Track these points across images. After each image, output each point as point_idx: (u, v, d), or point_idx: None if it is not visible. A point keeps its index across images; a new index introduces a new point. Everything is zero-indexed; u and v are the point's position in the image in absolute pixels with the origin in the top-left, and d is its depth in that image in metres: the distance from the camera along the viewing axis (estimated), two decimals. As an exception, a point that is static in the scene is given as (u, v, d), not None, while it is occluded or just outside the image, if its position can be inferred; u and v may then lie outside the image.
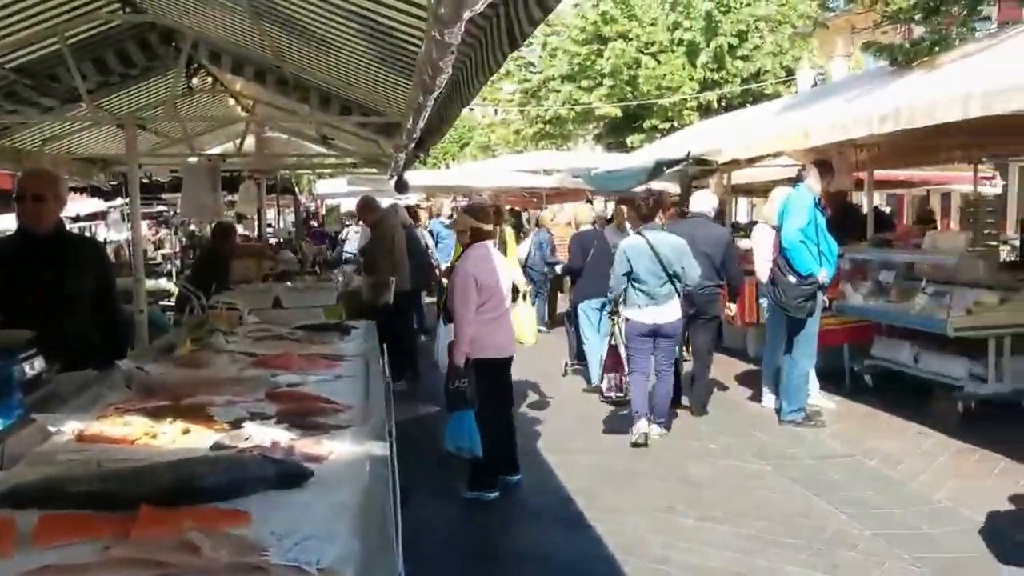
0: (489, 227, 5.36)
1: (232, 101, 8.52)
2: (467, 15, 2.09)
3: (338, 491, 1.96)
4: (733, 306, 8.01)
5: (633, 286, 6.45)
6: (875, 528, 4.76)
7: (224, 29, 5.70)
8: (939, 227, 21.27)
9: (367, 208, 8.88)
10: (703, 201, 7.68)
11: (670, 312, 6.45)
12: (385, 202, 14.76)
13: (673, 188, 13.52)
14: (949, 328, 6.68)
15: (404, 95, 4.98)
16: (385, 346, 4.52)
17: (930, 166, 13.79)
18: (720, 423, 7.10)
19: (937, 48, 7.76)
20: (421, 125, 4.69)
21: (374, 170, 11.20)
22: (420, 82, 3.23)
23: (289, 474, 1.96)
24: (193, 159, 8.76)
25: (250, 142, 9.58)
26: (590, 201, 18.88)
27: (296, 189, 16.56)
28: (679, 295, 6.48)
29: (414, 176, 17.11)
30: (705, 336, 7.42)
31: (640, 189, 12.92)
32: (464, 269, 5.21)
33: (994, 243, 12.31)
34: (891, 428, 6.78)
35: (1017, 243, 11.62)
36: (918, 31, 9.45)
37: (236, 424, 2.40)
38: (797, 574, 4.21)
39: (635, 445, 6.40)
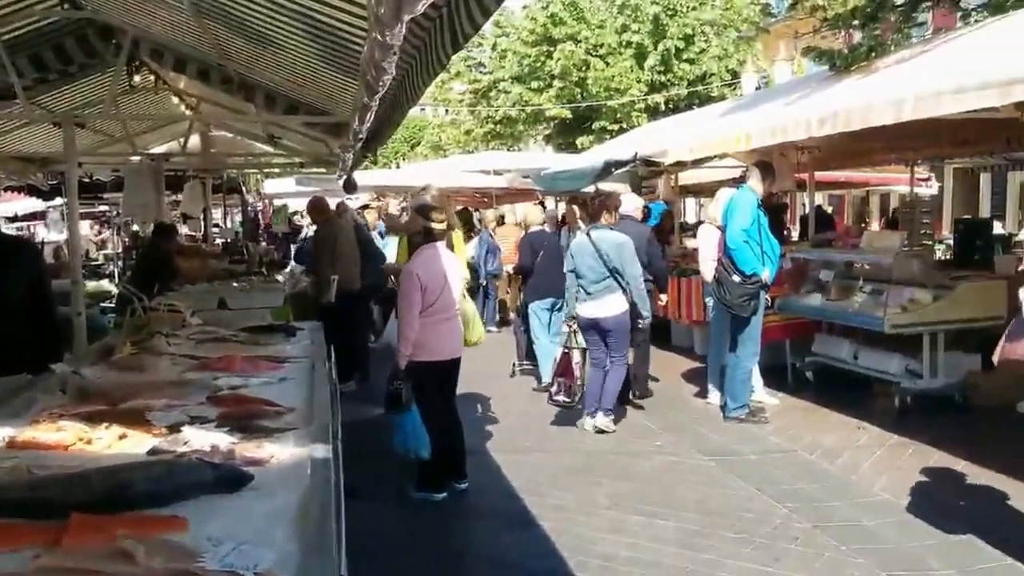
0: (441, 227, 5.34)
1: (176, 99, 8.39)
2: (407, 17, 2.10)
3: (278, 495, 1.95)
4: (664, 296, 8.39)
5: (577, 282, 6.76)
6: (816, 521, 4.87)
7: (166, 26, 5.62)
8: (878, 227, 21.84)
9: (316, 209, 8.84)
10: (628, 203, 8.01)
11: (609, 307, 6.69)
12: (333, 203, 14.72)
13: (623, 188, 13.67)
14: (885, 325, 6.87)
15: (350, 95, 4.96)
16: (333, 347, 4.51)
17: (869, 168, 14.17)
18: (666, 420, 7.20)
19: (874, 54, 7.97)
20: (368, 125, 4.68)
21: (323, 170, 11.12)
22: (364, 83, 3.23)
23: (228, 478, 1.95)
24: (135, 158, 8.62)
25: (195, 141, 9.44)
26: (542, 203, 18.99)
27: (243, 189, 16.35)
28: (623, 290, 6.64)
29: (364, 176, 17.01)
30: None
31: (590, 189, 13.09)
32: (410, 270, 5.18)
33: (930, 243, 12.64)
34: (831, 423, 6.93)
35: (951, 242, 11.95)
36: (858, 37, 9.67)
37: (174, 428, 2.37)
38: (740, 567, 4.28)
39: (598, 431, 6.76)
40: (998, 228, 15.24)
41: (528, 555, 4.58)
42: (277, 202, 18.50)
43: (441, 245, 5.34)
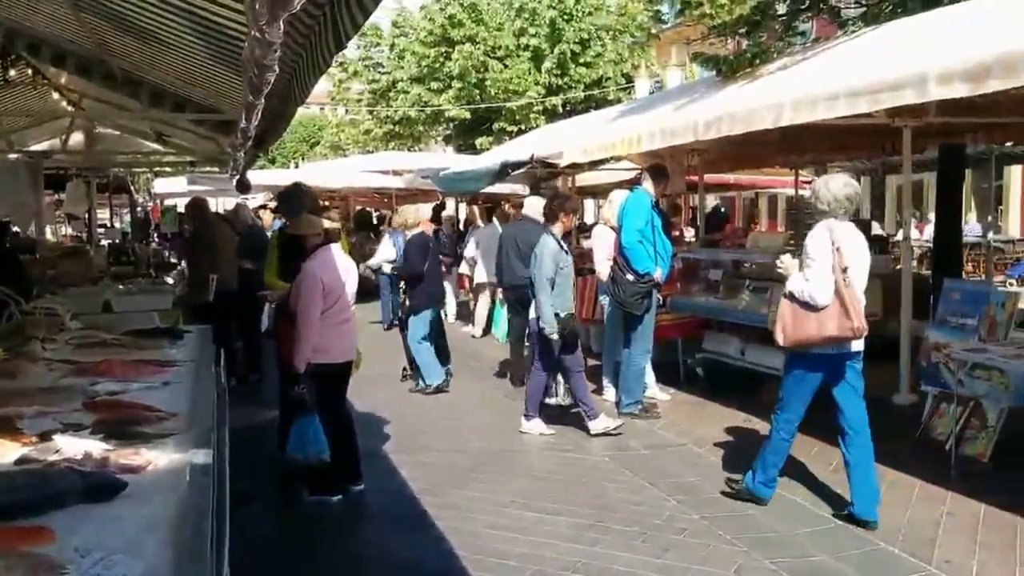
0: (336, 227, 5.29)
1: (57, 95, 8.03)
2: (283, 14, 2.09)
3: (154, 502, 1.92)
4: None
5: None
6: (702, 512, 5.03)
7: (44, 19, 5.39)
8: (766, 227, 22.66)
9: (195, 209, 8.73)
10: (532, 206, 8.16)
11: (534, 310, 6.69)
12: (230, 202, 14.36)
13: (522, 190, 13.82)
14: (770, 322, 7.13)
15: (238, 93, 4.86)
16: (223, 350, 4.41)
17: (757, 171, 14.72)
18: (562, 417, 7.29)
19: (757, 60, 8.28)
20: (255, 123, 4.59)
21: (215, 169, 10.85)
22: (248, 80, 3.18)
23: (100, 487, 1.90)
24: (13, 155, 8.22)
25: (79, 138, 9.07)
26: (442, 205, 18.99)
27: (132, 188, 15.79)
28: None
29: (261, 176, 16.70)
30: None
31: (490, 190, 13.18)
32: (311, 272, 5.09)
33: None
34: (720, 417, 7.16)
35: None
36: (745, 44, 10.03)
37: (46, 436, 2.30)
38: (629, 559, 4.39)
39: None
40: (877, 229, 16.08)
41: (423, 555, 4.58)
42: (168, 202, 17.97)
43: (336, 246, 5.30)
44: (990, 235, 14.99)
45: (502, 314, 9.97)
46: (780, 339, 4.79)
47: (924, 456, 5.78)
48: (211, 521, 1.91)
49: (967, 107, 6.96)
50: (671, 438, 6.63)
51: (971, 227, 17.12)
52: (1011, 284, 14.56)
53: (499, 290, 9.71)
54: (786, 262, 4.87)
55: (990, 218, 16.13)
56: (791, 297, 4.69)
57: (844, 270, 4.52)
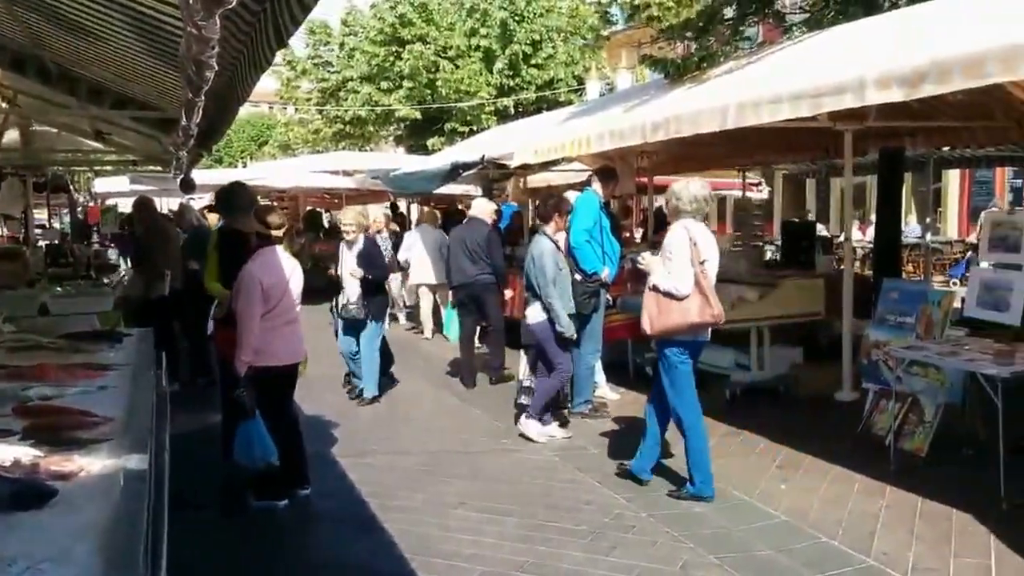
0: (277, 232, 5.21)
1: (-12, 91, 7.80)
2: (219, 10, 2.05)
3: (85, 510, 1.87)
4: (509, 292, 8.73)
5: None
6: (651, 510, 5.08)
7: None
8: (716, 228, 22.92)
9: (143, 208, 8.56)
10: (479, 208, 8.40)
11: (533, 313, 6.57)
12: (175, 202, 14.09)
13: (475, 191, 13.80)
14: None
15: (179, 90, 4.77)
16: (165, 353, 4.32)
17: (705, 173, 14.88)
18: (512, 417, 7.28)
19: (705, 64, 8.38)
20: (196, 121, 4.50)
21: (158, 168, 10.63)
22: (187, 78, 3.12)
23: (28, 494, 1.85)
24: (-56, 154, 7.96)
25: (14, 136, 8.80)
26: (395, 206, 18.89)
27: (72, 187, 15.41)
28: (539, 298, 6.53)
29: (207, 175, 16.42)
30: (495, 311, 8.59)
31: (443, 191, 13.15)
32: (250, 274, 5.01)
33: (760, 244, 13.38)
34: (668, 416, 7.22)
35: (780, 243, 12.72)
36: (694, 47, 10.14)
37: (-27, 443, 2.22)
38: (578, 558, 4.41)
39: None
40: (822, 230, 16.39)
41: (371, 558, 4.55)
42: (109, 201, 17.58)
43: (280, 248, 5.23)
44: (928, 236, 15.38)
45: (453, 315, 9.94)
46: (648, 329, 5.19)
47: (865, 451, 5.91)
48: (146, 529, 1.87)
49: (906, 112, 7.17)
50: (621, 437, 6.67)
51: (911, 228, 17.56)
52: (954, 284, 14.96)
53: (449, 291, 9.67)
54: (647, 259, 5.31)
55: (928, 220, 16.54)
56: (655, 289, 5.12)
57: (702, 263, 5.02)
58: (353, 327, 7.82)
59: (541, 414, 6.64)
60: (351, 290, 7.59)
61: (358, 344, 7.87)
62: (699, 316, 5.02)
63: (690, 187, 5.26)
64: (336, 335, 8.12)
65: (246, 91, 3.78)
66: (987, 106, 7.46)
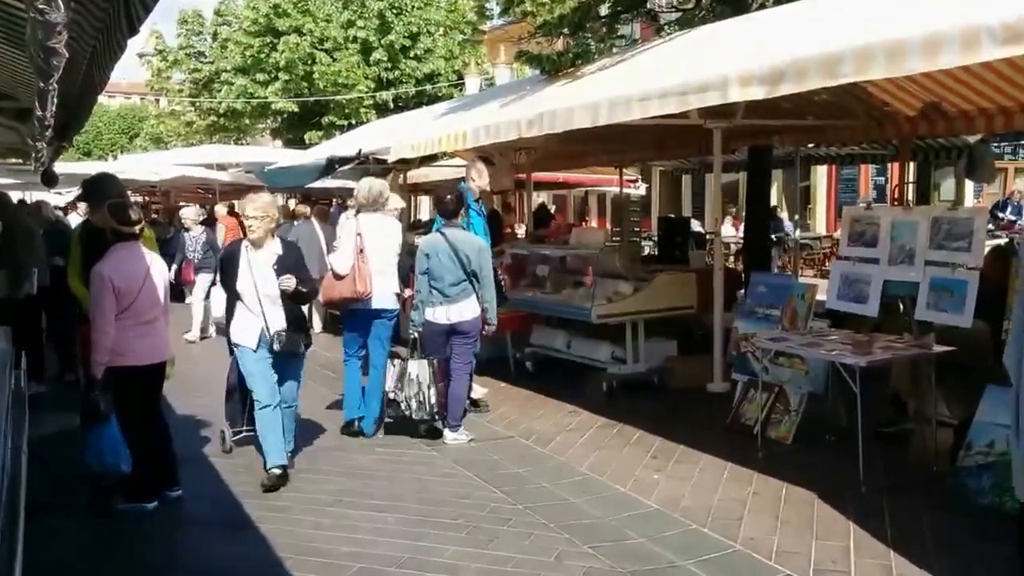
0: (132, 229, 4.96)
1: None
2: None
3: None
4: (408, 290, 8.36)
5: (431, 284, 6.32)
6: (527, 502, 5.12)
7: None
8: (596, 224, 23.37)
9: None
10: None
11: (466, 310, 6.35)
12: (38, 197, 13.27)
13: (353, 185, 13.54)
14: (593, 315, 7.37)
15: (33, 78, 4.48)
16: (25, 352, 4.05)
17: (585, 169, 15.15)
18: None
19: (580, 61, 8.50)
20: (51, 111, 4.24)
21: (19, 160, 10.01)
22: (35, 65, 2.93)
23: None
24: None
25: None
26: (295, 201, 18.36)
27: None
28: (476, 294, 6.36)
29: (72, 168, 15.58)
30: None
31: (320, 185, 12.87)
32: (99, 273, 4.77)
33: (637, 239, 13.69)
34: (547, 409, 7.30)
35: (657, 239, 13.04)
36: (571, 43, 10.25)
37: None
38: (455, 552, 4.40)
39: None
40: (696, 226, 16.90)
41: (243, 560, 4.42)
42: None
43: (138, 244, 4.99)
44: (797, 232, 16.10)
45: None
46: (321, 299, 6.64)
47: (734, 440, 6.12)
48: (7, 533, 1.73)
49: (775, 110, 7.46)
50: (500, 431, 6.70)
51: (784, 224, 18.32)
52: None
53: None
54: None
55: (797, 216, 17.29)
56: (331, 269, 6.47)
57: (361, 251, 6.29)
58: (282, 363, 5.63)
59: (461, 419, 6.49)
60: (274, 312, 5.46)
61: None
62: (349, 292, 6.30)
63: (362, 185, 6.60)
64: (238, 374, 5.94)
65: (103, 80, 3.59)
66: (850, 106, 7.87)
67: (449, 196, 6.58)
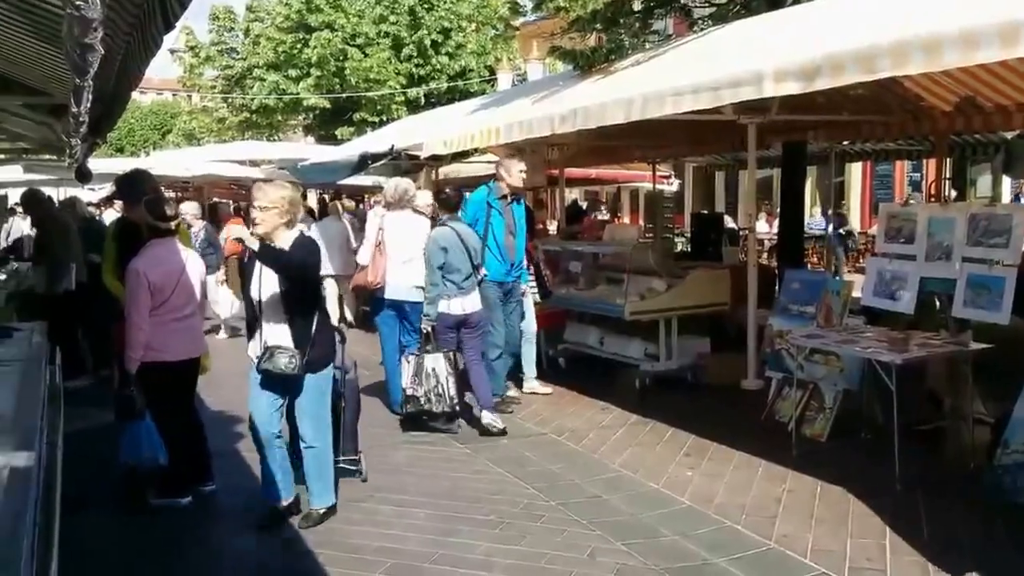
0: (168, 224, 5.03)
1: None
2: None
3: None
4: None
5: (447, 277, 6.44)
6: (560, 499, 5.11)
7: None
8: (629, 220, 23.29)
9: (33, 201, 8.29)
10: (420, 199, 8.02)
11: (476, 301, 6.59)
12: (71, 193, 13.48)
13: (385, 183, 13.60)
14: (625, 312, 7.35)
15: (68, 75, 4.56)
16: (61, 348, 4.12)
17: (618, 165, 15.09)
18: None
19: (613, 56, 8.47)
20: (86, 107, 4.31)
21: (54, 156, 10.18)
22: (71, 62, 2.98)
23: None
24: None
25: None
26: (304, 196, 18.49)
27: (-42, 176, 14.59)
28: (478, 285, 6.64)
29: (108, 164, 15.78)
30: None
31: (352, 181, 12.94)
32: (134, 269, 4.82)
33: (670, 236, 13.64)
34: (579, 406, 7.30)
35: (690, 235, 12.99)
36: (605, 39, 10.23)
37: None
38: (487, 548, 4.41)
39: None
40: (730, 223, 16.79)
41: (276, 554, 4.46)
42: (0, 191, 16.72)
43: (174, 240, 5.06)
44: (830, 228, 15.95)
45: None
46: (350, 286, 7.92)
47: (768, 438, 6.07)
48: (30, 528, 1.78)
49: (810, 106, 7.39)
50: (532, 428, 6.70)
51: (816, 221, 18.15)
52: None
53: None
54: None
55: (831, 212, 17.12)
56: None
57: (378, 245, 6.94)
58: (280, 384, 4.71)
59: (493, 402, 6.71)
60: (273, 323, 4.60)
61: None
62: (364, 281, 7.17)
63: (390, 184, 7.19)
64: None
65: (138, 76, 3.64)
66: (885, 100, 7.77)
67: (449, 190, 7.24)
